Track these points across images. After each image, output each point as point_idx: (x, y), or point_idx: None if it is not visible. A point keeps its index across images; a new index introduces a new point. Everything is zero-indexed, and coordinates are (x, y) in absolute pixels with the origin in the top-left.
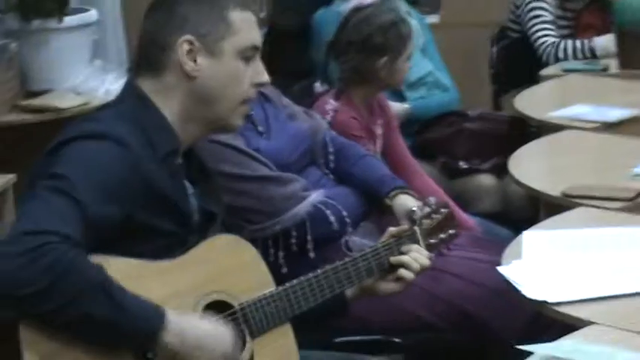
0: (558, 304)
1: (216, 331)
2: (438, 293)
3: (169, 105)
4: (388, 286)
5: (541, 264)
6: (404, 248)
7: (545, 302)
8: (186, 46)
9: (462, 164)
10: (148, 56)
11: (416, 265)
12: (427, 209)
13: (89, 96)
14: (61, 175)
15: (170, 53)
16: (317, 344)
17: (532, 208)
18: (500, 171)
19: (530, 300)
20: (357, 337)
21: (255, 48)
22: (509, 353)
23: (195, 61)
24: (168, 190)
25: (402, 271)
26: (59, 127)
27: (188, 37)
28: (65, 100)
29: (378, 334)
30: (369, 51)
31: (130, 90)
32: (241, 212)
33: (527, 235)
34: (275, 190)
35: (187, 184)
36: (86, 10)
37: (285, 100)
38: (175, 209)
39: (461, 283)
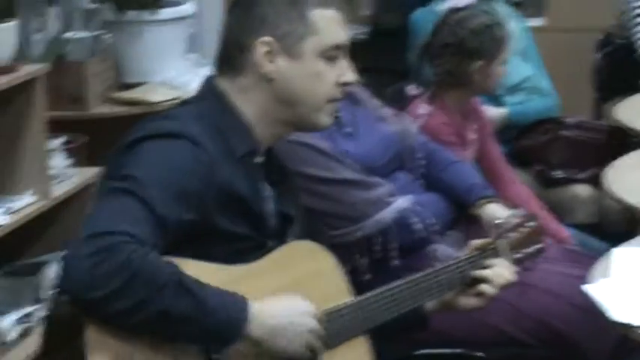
0: None
1: (297, 310)
2: (525, 309)
3: (249, 106)
4: (469, 300)
5: (630, 284)
6: (487, 262)
7: (630, 325)
8: (264, 48)
9: (558, 173)
10: (227, 56)
11: (499, 281)
12: (514, 221)
13: (182, 90)
14: (134, 176)
15: (248, 55)
16: (396, 356)
17: (629, 222)
18: (598, 181)
19: (615, 322)
20: (439, 350)
21: (338, 47)
22: None
23: (274, 62)
24: (243, 193)
25: (484, 287)
26: None
27: (266, 38)
28: (157, 94)
29: (460, 348)
30: (464, 54)
31: (209, 88)
32: (323, 216)
33: (617, 252)
34: (359, 195)
35: (266, 186)
36: (182, 3)
37: (376, 102)
38: (250, 212)
39: (549, 298)
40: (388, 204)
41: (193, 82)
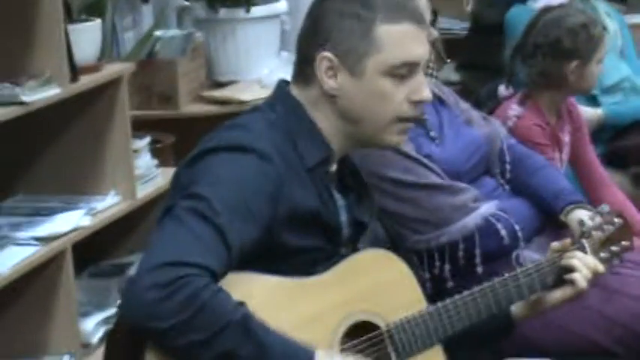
0: None
1: None
2: (613, 316)
3: (320, 117)
4: (557, 294)
5: None
6: (568, 255)
7: None
8: (325, 63)
9: None
10: (300, 65)
11: (588, 267)
12: (598, 219)
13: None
14: (204, 197)
15: (314, 67)
16: None
17: None
18: None
19: None
20: (525, 359)
21: (408, 64)
22: None
23: (336, 78)
24: (315, 207)
25: (574, 275)
26: None
27: (327, 54)
28: (248, 92)
29: (547, 357)
30: (558, 55)
31: (282, 95)
32: (405, 221)
33: None
34: (443, 200)
35: (337, 195)
36: (275, 1)
37: (463, 105)
38: (324, 225)
39: (638, 305)
40: (473, 210)
41: None
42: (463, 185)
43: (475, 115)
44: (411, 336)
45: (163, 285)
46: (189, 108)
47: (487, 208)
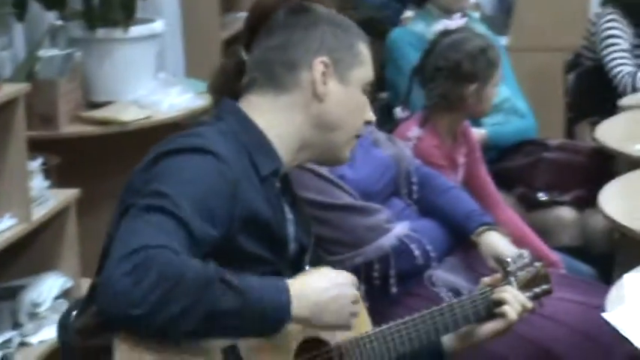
0: None
1: (336, 281)
2: (526, 334)
3: (279, 125)
4: (487, 327)
5: None
6: (499, 289)
7: None
8: (321, 68)
9: (541, 196)
10: (266, 74)
11: (519, 303)
12: (523, 261)
13: (152, 109)
14: (164, 193)
15: (300, 73)
16: None
17: (612, 244)
18: (581, 204)
19: None
20: None
21: (370, 84)
22: None
23: (326, 84)
24: (267, 214)
25: (505, 307)
26: (122, 140)
27: (325, 58)
28: (128, 113)
29: None
30: (458, 78)
31: (229, 108)
32: (321, 242)
33: (628, 278)
34: (358, 221)
35: (287, 209)
36: (152, 21)
37: (370, 126)
38: (273, 235)
39: (550, 324)
40: (387, 230)
41: (164, 102)
42: (377, 206)
43: (381, 136)
44: (359, 354)
45: (131, 271)
46: (70, 129)
47: (401, 228)
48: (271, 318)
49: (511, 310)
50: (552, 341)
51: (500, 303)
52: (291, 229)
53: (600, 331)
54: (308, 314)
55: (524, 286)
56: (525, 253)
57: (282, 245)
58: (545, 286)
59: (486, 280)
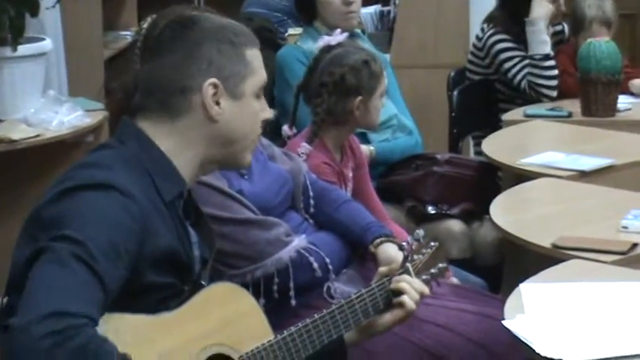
0: None
1: None
2: (420, 342)
3: (178, 148)
4: (387, 317)
5: (546, 319)
6: (396, 279)
7: None
8: (211, 90)
9: (430, 209)
10: (158, 99)
11: (416, 289)
12: (416, 244)
13: (42, 127)
14: (78, 240)
15: (191, 97)
16: None
17: (500, 255)
18: (469, 217)
19: (545, 358)
20: None
21: (263, 86)
22: None
23: (218, 104)
24: (174, 245)
25: (403, 297)
26: (11, 159)
27: (213, 80)
28: (17, 131)
29: None
30: (343, 92)
31: (130, 132)
32: (222, 256)
33: (525, 287)
34: (259, 235)
35: (192, 232)
36: (42, 39)
37: (265, 141)
38: (181, 263)
39: (446, 333)
40: (287, 244)
41: (53, 120)
42: (276, 220)
43: (277, 151)
44: None
45: (57, 333)
46: None
47: (299, 241)
48: None
49: (409, 300)
50: (447, 350)
51: (397, 293)
52: (196, 253)
53: (494, 339)
54: None
55: (422, 269)
56: (420, 234)
57: (189, 269)
58: (441, 265)
59: (383, 269)
